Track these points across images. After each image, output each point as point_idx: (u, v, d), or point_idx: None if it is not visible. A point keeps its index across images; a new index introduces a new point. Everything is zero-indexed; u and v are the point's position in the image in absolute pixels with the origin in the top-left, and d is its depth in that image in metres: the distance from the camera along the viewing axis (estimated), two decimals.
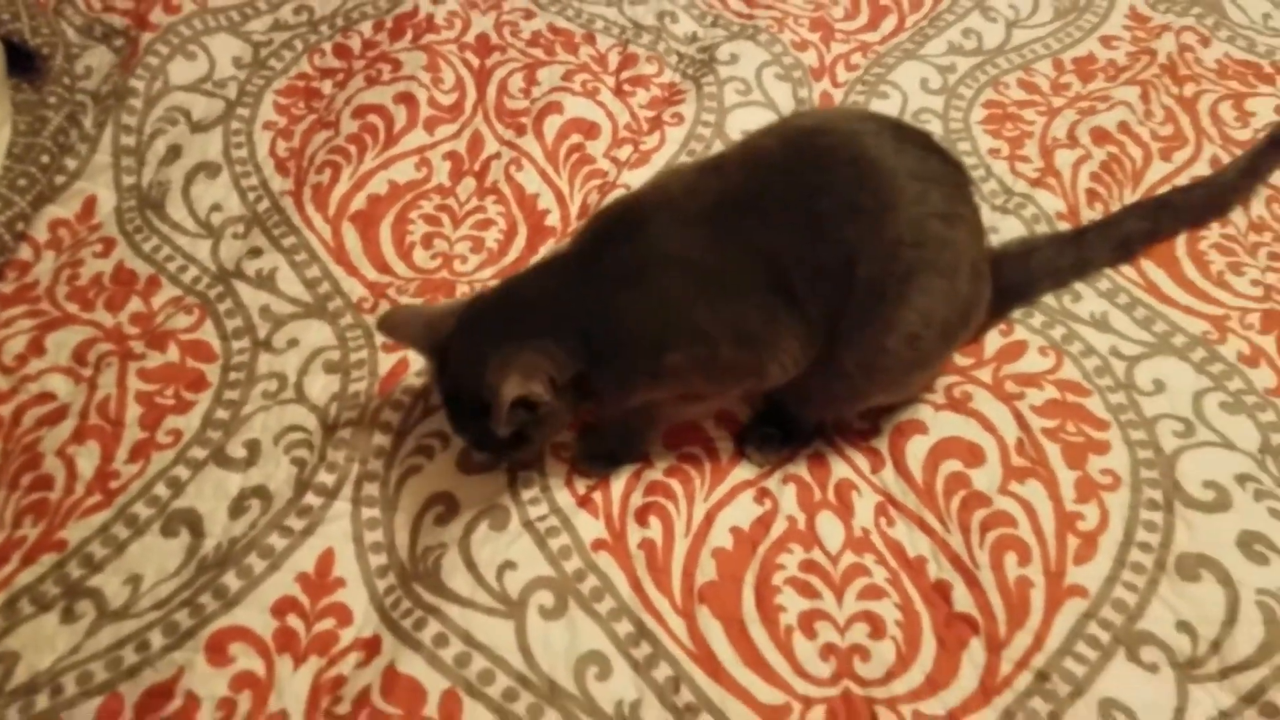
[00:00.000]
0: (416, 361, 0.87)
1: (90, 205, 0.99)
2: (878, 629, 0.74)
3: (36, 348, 0.88)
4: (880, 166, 0.71)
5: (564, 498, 0.80)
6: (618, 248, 0.72)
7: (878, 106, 1.10)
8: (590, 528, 0.78)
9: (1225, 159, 1.05)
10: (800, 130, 0.77)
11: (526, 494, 0.80)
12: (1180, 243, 0.98)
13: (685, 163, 1.03)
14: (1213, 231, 0.99)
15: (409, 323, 0.77)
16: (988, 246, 0.93)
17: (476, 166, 1.04)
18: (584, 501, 0.79)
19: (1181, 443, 0.83)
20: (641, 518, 0.78)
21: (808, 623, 0.74)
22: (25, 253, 0.95)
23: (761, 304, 0.71)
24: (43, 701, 0.68)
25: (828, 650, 0.73)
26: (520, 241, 0.98)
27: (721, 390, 0.79)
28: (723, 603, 0.75)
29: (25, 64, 1.06)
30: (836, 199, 0.70)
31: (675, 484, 0.81)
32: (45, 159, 0.99)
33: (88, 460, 0.81)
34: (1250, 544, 0.77)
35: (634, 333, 0.71)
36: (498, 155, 1.05)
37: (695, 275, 0.70)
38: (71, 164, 1.02)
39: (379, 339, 0.88)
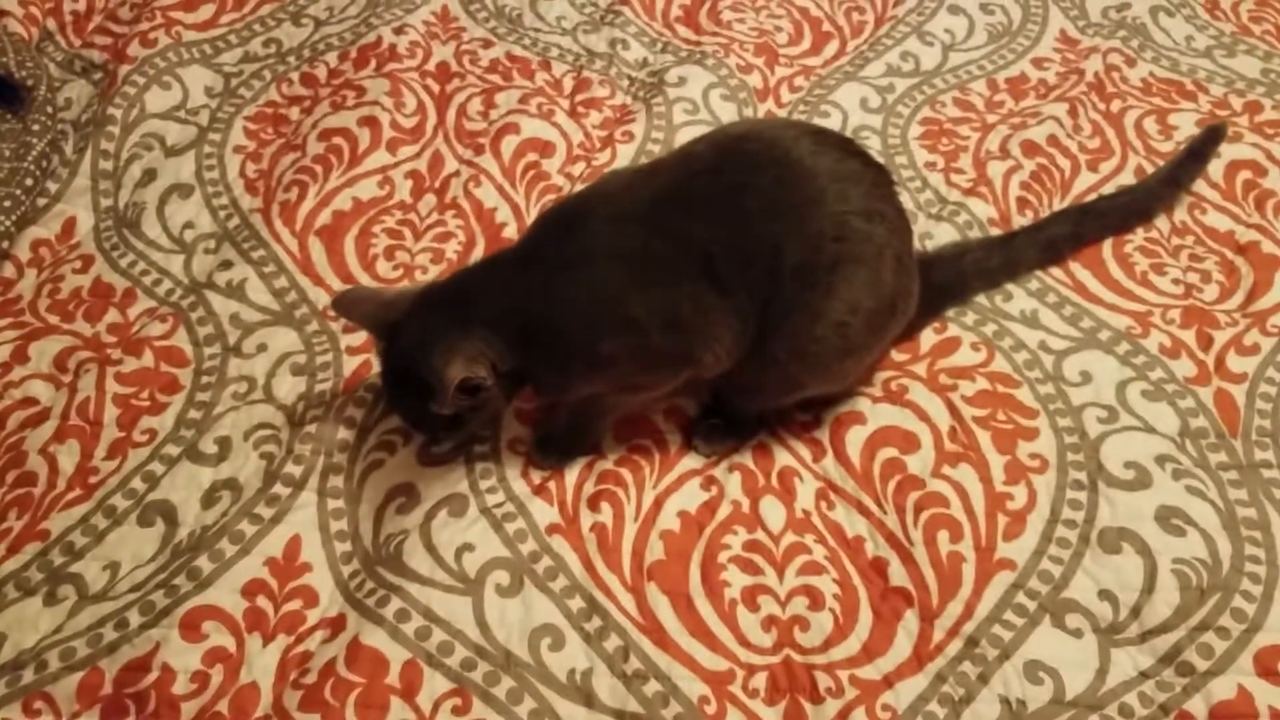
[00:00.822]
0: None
1: (70, 225, 1.07)
2: (817, 601, 0.81)
3: (20, 356, 0.95)
4: (802, 167, 0.79)
5: (520, 487, 0.87)
6: (557, 243, 0.80)
7: (819, 124, 1.19)
8: (545, 513, 0.85)
9: (1150, 169, 1.14)
10: (730, 136, 0.86)
11: (484, 484, 0.87)
12: (1106, 246, 1.07)
13: (626, 167, 1.11)
14: (1137, 235, 1.08)
15: (362, 303, 0.84)
16: (920, 248, 1.03)
17: (437, 184, 1.12)
18: (539, 490, 0.87)
19: (1105, 428, 0.92)
20: (594, 503, 0.85)
21: (750, 596, 0.81)
22: (8, 270, 1.02)
23: (692, 294, 0.78)
24: (28, 676, 0.74)
25: (769, 621, 0.80)
26: (478, 252, 1.05)
27: (658, 380, 0.86)
28: (670, 579, 0.82)
29: (10, 95, 1.14)
30: (762, 197, 0.79)
31: (626, 473, 0.88)
32: (29, 182, 1.07)
33: (69, 457, 0.87)
34: (1168, 518, 0.84)
35: (570, 323, 0.78)
36: (457, 173, 1.13)
37: (628, 267, 0.78)
38: (53, 187, 1.10)
39: (344, 342, 0.96)
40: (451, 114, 1.19)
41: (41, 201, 1.09)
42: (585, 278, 0.78)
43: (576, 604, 0.80)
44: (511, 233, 1.07)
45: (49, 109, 1.14)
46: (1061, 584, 0.81)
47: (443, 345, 0.75)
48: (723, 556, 0.83)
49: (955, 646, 0.79)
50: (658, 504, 0.86)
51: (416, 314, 0.79)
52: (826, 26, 1.34)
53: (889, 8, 1.37)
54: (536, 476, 0.88)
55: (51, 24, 1.28)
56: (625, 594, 0.81)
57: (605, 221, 0.79)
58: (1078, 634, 0.79)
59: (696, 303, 0.79)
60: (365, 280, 1.02)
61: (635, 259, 0.78)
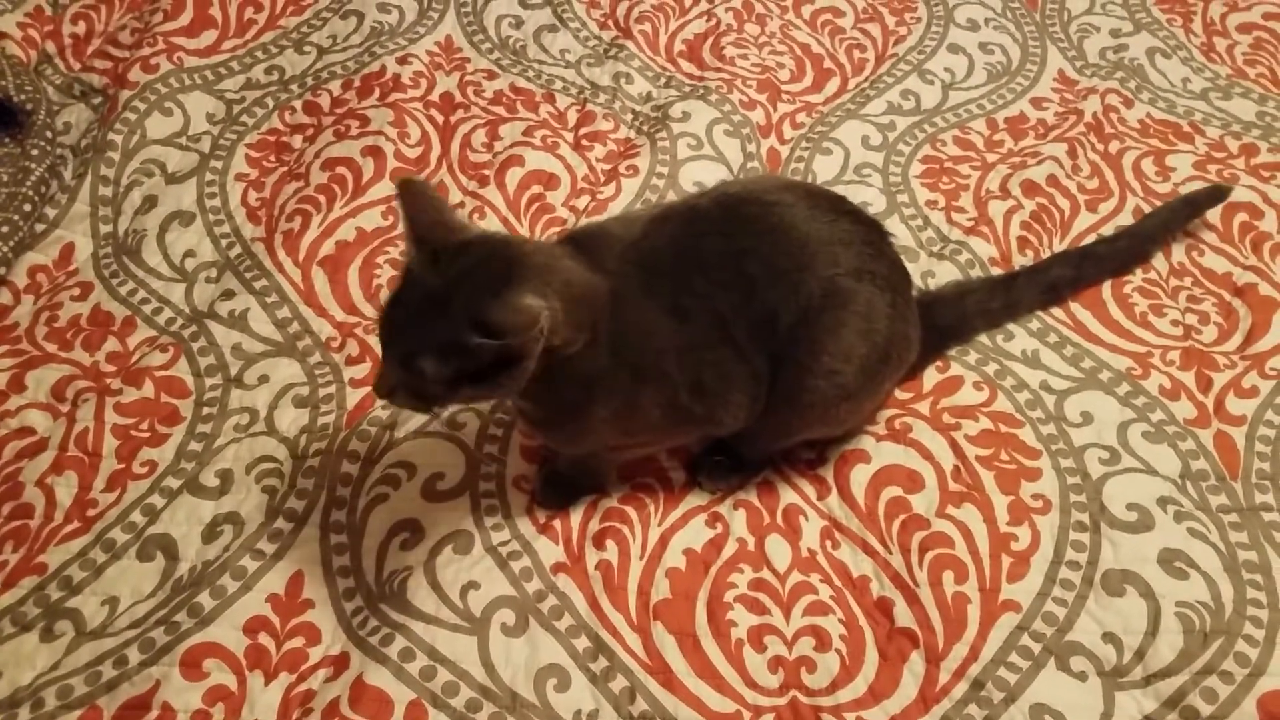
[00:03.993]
0: None
1: (68, 252, 1.07)
2: (823, 642, 0.82)
3: (16, 385, 0.95)
4: (795, 234, 0.82)
5: (525, 525, 0.87)
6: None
7: (821, 162, 1.22)
8: (550, 552, 0.86)
9: (1147, 210, 1.16)
10: (731, 196, 0.86)
11: (490, 520, 0.87)
12: (1106, 286, 1.09)
13: (637, 210, 1.13)
14: (1136, 276, 1.10)
15: (429, 202, 0.75)
16: (923, 287, 1.05)
17: None
18: (544, 529, 0.87)
19: (1107, 469, 0.93)
20: (599, 541, 0.86)
21: (757, 636, 0.82)
22: (5, 297, 1.03)
23: (714, 358, 0.80)
24: (25, 714, 0.74)
25: (776, 662, 0.81)
26: None
27: (672, 437, 0.88)
28: (676, 618, 0.82)
29: (8, 119, 1.15)
30: (763, 264, 0.81)
31: (630, 510, 0.89)
32: (27, 208, 1.07)
33: (66, 489, 0.87)
34: (1171, 561, 0.86)
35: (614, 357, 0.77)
36: (461, 204, 1.14)
37: (667, 319, 0.78)
38: (51, 213, 1.10)
39: (347, 375, 0.97)
40: (456, 145, 1.21)
41: (40, 227, 1.09)
42: (636, 318, 0.77)
43: (582, 643, 0.80)
44: None
45: (48, 133, 1.14)
46: (1066, 626, 0.83)
47: (526, 286, 0.69)
48: (729, 595, 0.84)
49: (961, 689, 0.80)
50: (663, 542, 0.87)
51: (496, 247, 0.74)
52: (828, 64, 1.37)
53: (889, 46, 1.40)
54: (542, 515, 0.88)
55: (50, 47, 1.29)
56: (631, 633, 0.81)
57: (636, 267, 0.79)
58: (1082, 677, 0.80)
59: (718, 368, 0.81)
60: (369, 312, 1.03)
61: (669, 312, 0.79)
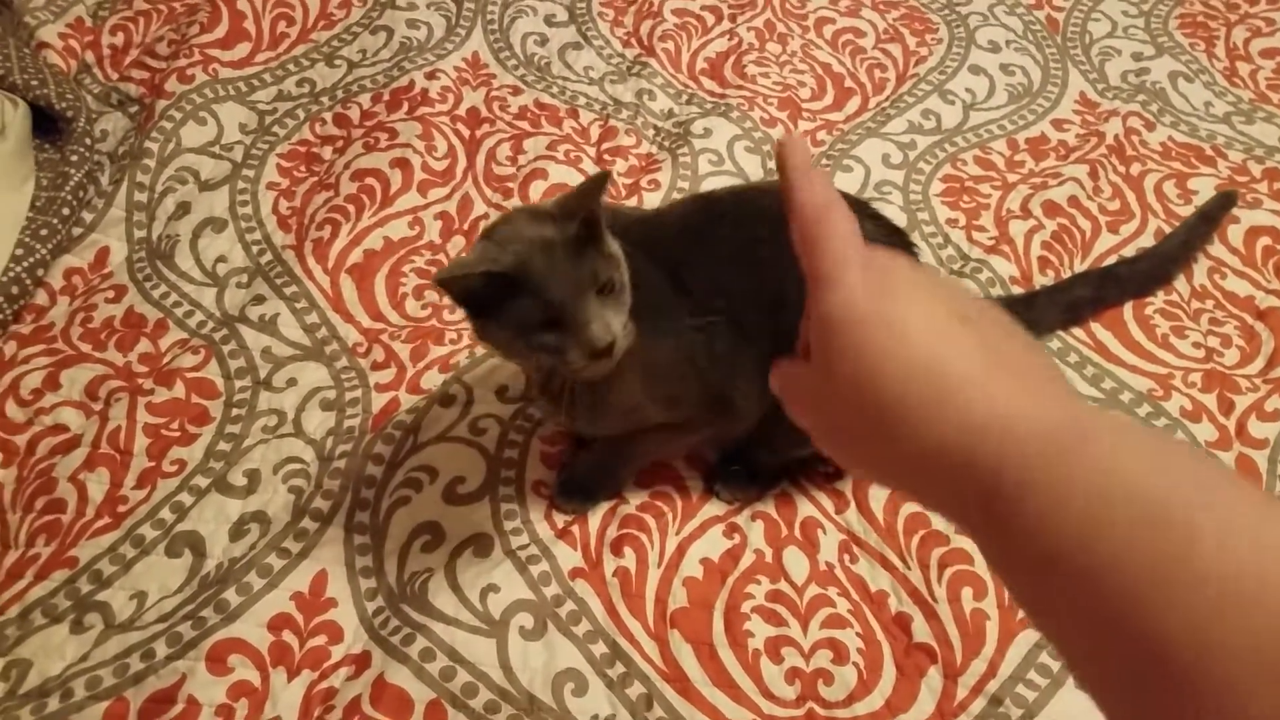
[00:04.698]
0: (407, 400, 0.97)
1: (103, 255, 1.10)
2: (841, 655, 0.82)
3: (51, 383, 0.97)
4: None
5: (544, 530, 0.89)
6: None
7: (842, 179, 1.23)
8: (568, 557, 0.87)
9: (1169, 232, 1.17)
10: (748, 189, 0.88)
11: (509, 525, 0.89)
12: (1127, 307, 1.09)
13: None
14: (1157, 298, 1.11)
15: None
16: None
17: (466, 226, 1.15)
18: (562, 534, 0.88)
19: None
20: (617, 548, 0.87)
21: (774, 648, 0.83)
22: (41, 298, 1.05)
23: (725, 335, 0.81)
24: (54, 704, 0.76)
25: (793, 674, 0.81)
26: None
27: (690, 421, 0.87)
28: (693, 627, 0.83)
29: (49, 126, 1.18)
30: (774, 249, 0.81)
31: (649, 518, 0.90)
32: (65, 211, 1.10)
33: (98, 486, 0.89)
34: None
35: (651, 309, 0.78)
36: (486, 216, 1.16)
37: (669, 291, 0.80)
38: (88, 217, 1.13)
39: (373, 380, 0.99)
40: (481, 158, 1.23)
41: (76, 231, 1.12)
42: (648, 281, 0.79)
43: (600, 649, 0.81)
44: None
45: (87, 140, 1.18)
46: None
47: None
48: (746, 606, 0.85)
49: (979, 705, 0.80)
50: (680, 551, 0.88)
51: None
52: (849, 83, 1.39)
53: (910, 66, 1.42)
54: (560, 520, 0.89)
55: (89, 57, 1.33)
56: (648, 641, 0.82)
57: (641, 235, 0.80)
58: None
59: (731, 344, 0.81)
60: (394, 319, 1.05)
61: (672, 281, 0.80)
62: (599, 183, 0.70)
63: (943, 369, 0.37)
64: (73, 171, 1.13)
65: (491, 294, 0.70)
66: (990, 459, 0.35)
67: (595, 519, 0.90)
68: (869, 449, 0.40)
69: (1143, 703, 0.30)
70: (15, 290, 1.03)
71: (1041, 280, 1.12)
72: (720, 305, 0.80)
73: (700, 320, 0.80)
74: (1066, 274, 1.13)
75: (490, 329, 0.73)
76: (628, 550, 0.87)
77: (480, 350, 1.02)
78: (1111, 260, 1.15)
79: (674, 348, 0.80)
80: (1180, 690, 0.28)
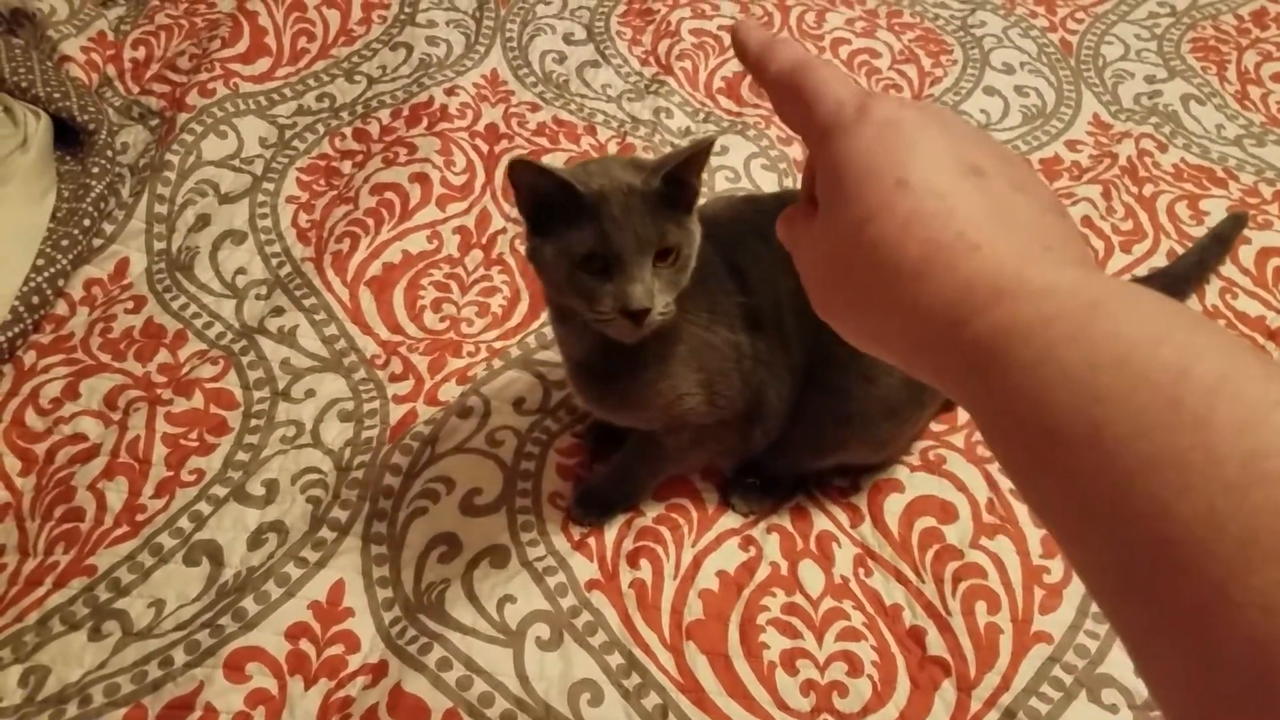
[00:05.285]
0: (425, 412, 0.98)
1: (123, 266, 1.11)
2: (855, 668, 0.83)
3: (71, 392, 0.98)
4: None
5: (560, 541, 0.89)
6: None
7: None
8: (585, 568, 0.87)
9: (1181, 253, 1.18)
10: (790, 194, 0.89)
11: (526, 536, 0.89)
12: None
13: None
14: None
15: None
16: None
17: (484, 240, 1.16)
18: (579, 545, 0.89)
19: None
20: (633, 560, 0.87)
21: (789, 660, 0.83)
22: (61, 308, 1.06)
23: (764, 336, 0.81)
24: (72, 710, 0.76)
25: (808, 686, 0.81)
26: (523, 307, 1.09)
27: (724, 415, 0.85)
28: (709, 639, 0.83)
29: (70, 138, 1.20)
30: None
31: (665, 530, 0.90)
32: (86, 222, 1.11)
33: (116, 495, 0.90)
34: None
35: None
36: (504, 230, 1.17)
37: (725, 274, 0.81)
38: (109, 229, 1.14)
39: (390, 391, 0.99)
40: (499, 174, 1.24)
41: (97, 242, 1.13)
42: (708, 260, 0.78)
43: (615, 660, 0.81)
44: None
45: (109, 153, 1.19)
46: (1098, 659, 0.83)
47: None
48: (761, 618, 0.85)
49: (993, 718, 0.80)
50: (696, 563, 0.88)
51: None
52: None
53: (926, 87, 1.44)
54: (576, 532, 0.90)
55: (111, 71, 1.35)
56: (664, 652, 0.82)
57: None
58: (1114, 709, 0.80)
59: (772, 346, 0.82)
60: (413, 331, 1.06)
61: (726, 265, 0.81)
62: (699, 148, 0.69)
63: (942, 224, 0.35)
64: (94, 183, 1.14)
65: (557, 213, 0.69)
66: (986, 321, 0.33)
67: (611, 531, 0.90)
68: (864, 305, 0.38)
69: (1137, 587, 0.28)
70: (36, 300, 1.04)
71: None
72: (769, 305, 0.81)
73: (752, 302, 0.79)
74: None
75: (542, 248, 0.72)
76: (644, 562, 0.87)
77: (498, 362, 1.03)
78: (1125, 280, 1.16)
79: (725, 338, 0.80)
80: (1182, 572, 0.27)
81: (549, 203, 0.70)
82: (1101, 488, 0.29)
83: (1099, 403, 0.29)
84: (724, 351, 0.81)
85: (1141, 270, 1.17)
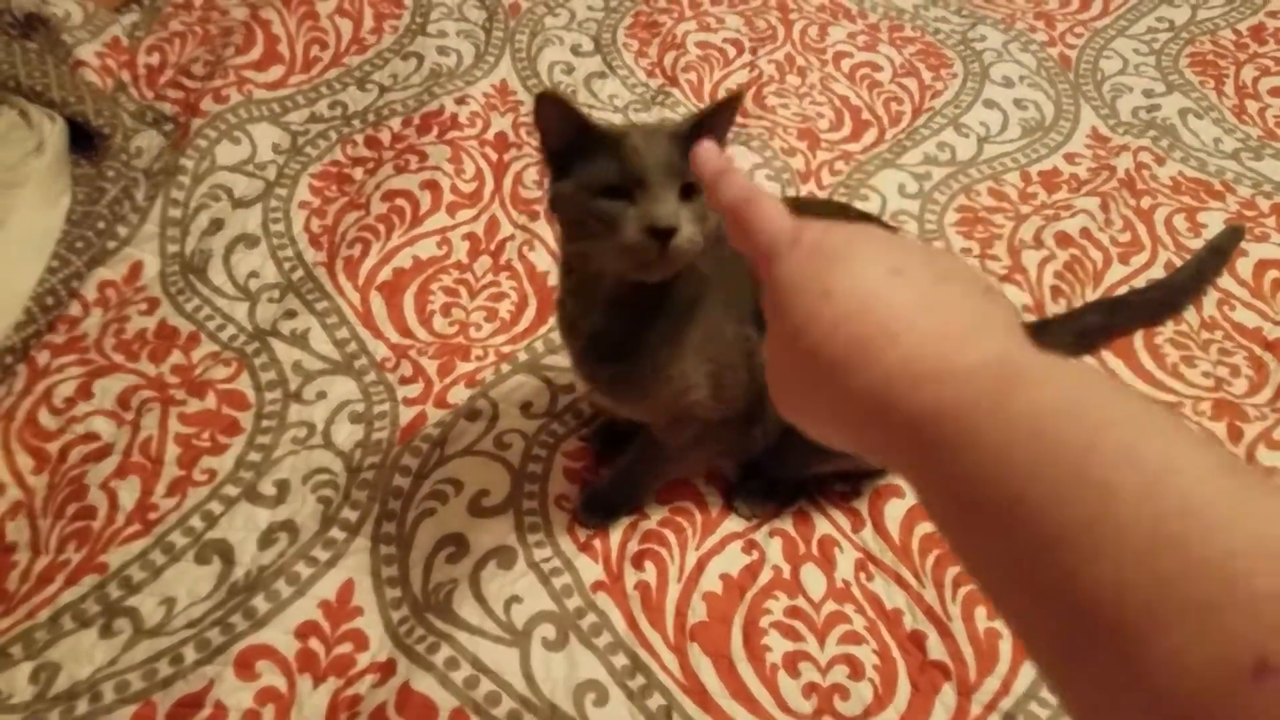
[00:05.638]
0: (434, 415, 0.98)
1: (137, 269, 1.12)
2: (857, 671, 0.83)
3: (84, 392, 0.99)
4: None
5: (566, 543, 0.89)
6: None
7: (858, 207, 1.24)
8: (590, 570, 0.87)
9: (1179, 265, 1.18)
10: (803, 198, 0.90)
11: (532, 538, 0.89)
12: (1138, 337, 1.11)
13: None
14: (1167, 328, 1.12)
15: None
16: None
17: (493, 246, 1.17)
18: (584, 547, 0.89)
19: None
20: (638, 562, 0.88)
21: (791, 662, 0.83)
22: (75, 309, 1.07)
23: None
24: (83, 706, 0.76)
25: (810, 688, 0.82)
26: (531, 312, 1.10)
27: (729, 412, 0.84)
28: (712, 641, 0.84)
29: (85, 142, 1.20)
30: None
31: (669, 533, 0.91)
32: (101, 225, 1.12)
33: (129, 493, 0.90)
34: None
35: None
36: (512, 237, 1.18)
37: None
38: (123, 231, 1.15)
39: (400, 394, 1.00)
40: (508, 181, 1.25)
41: (111, 245, 1.14)
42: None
43: (620, 661, 0.82)
44: None
45: (123, 156, 1.20)
46: None
47: None
48: (764, 621, 0.85)
49: None
50: (700, 565, 0.89)
51: None
52: (866, 115, 1.41)
53: (926, 99, 1.44)
54: (582, 534, 0.90)
55: (125, 76, 1.35)
56: (668, 653, 0.83)
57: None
58: None
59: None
60: (422, 335, 1.06)
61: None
62: (729, 99, 0.69)
63: (865, 318, 0.38)
64: (108, 187, 1.15)
65: (579, 154, 0.68)
66: (912, 405, 0.35)
67: (617, 533, 0.90)
68: (811, 402, 0.41)
69: (1070, 651, 0.29)
70: (50, 301, 1.05)
71: (1053, 309, 1.13)
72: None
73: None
74: (1078, 303, 1.14)
75: (562, 189, 0.70)
76: (648, 564, 0.88)
77: (506, 366, 1.03)
78: (1123, 290, 1.17)
79: (736, 331, 0.79)
80: (1097, 637, 0.28)
81: (571, 144, 0.69)
82: (1022, 558, 0.30)
83: (1016, 478, 0.30)
84: (734, 344, 0.80)
85: (1139, 281, 1.17)
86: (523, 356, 1.05)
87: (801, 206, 0.84)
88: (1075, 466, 0.29)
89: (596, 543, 0.89)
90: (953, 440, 0.33)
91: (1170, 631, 0.26)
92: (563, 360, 1.04)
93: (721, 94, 1.41)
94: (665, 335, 0.77)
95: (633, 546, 0.89)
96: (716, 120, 0.69)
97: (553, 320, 1.08)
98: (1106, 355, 1.09)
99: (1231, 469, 0.29)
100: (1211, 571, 0.26)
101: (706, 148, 0.48)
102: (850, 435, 0.39)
